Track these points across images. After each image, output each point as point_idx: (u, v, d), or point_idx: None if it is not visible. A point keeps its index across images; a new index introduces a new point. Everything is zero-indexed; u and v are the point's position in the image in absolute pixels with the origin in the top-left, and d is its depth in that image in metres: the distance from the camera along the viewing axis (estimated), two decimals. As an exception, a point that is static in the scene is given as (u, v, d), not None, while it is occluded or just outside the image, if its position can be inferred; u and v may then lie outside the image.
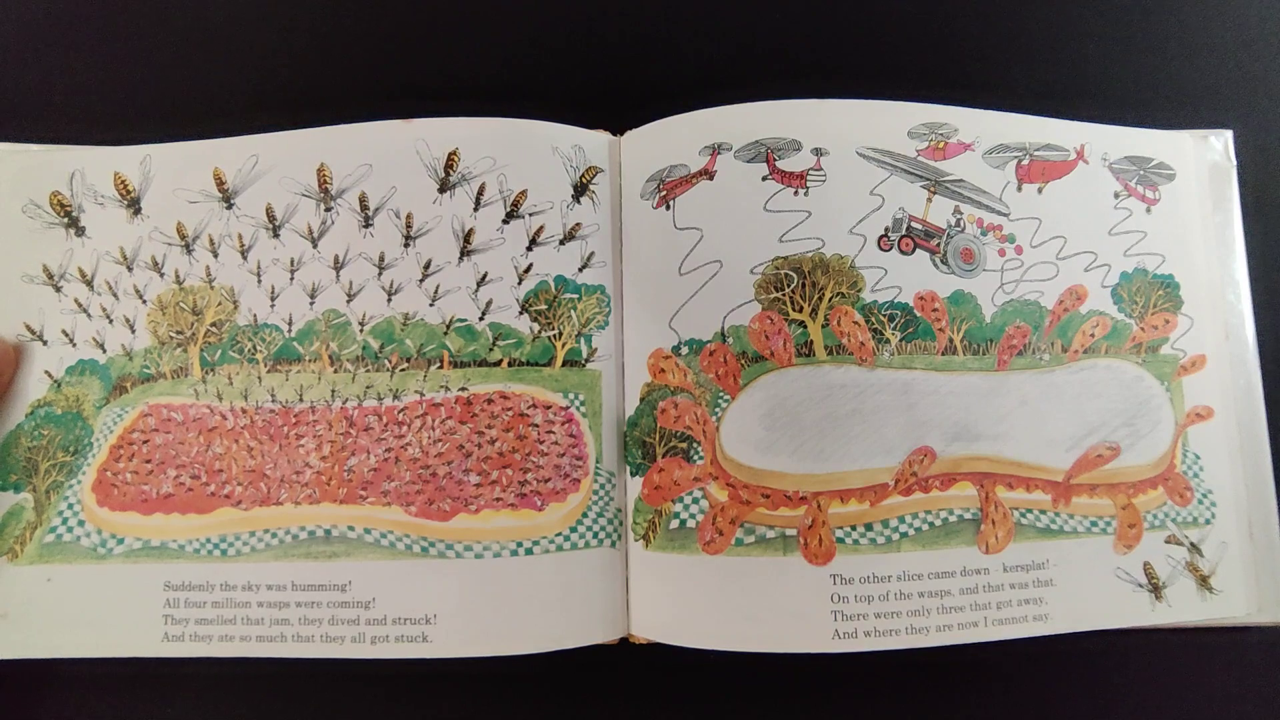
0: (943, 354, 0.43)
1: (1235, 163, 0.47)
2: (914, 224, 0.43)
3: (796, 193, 0.43)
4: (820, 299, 0.42)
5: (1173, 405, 0.44)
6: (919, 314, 0.43)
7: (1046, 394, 0.43)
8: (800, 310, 0.42)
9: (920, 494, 0.42)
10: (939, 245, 0.44)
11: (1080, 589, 0.42)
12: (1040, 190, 0.45)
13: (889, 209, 0.43)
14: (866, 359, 0.42)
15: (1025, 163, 0.45)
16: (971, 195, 0.44)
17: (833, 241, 0.43)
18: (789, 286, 0.42)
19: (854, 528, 0.41)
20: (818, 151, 0.43)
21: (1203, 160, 0.47)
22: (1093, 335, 0.44)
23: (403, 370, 0.42)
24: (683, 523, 0.41)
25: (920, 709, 0.43)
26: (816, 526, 0.41)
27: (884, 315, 0.42)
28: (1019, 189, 0.45)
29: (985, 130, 0.45)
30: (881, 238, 0.43)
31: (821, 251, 0.42)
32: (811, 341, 0.42)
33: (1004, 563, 0.42)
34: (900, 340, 0.42)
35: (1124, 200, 0.46)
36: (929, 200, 0.44)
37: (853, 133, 0.43)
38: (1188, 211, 0.46)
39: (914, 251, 0.43)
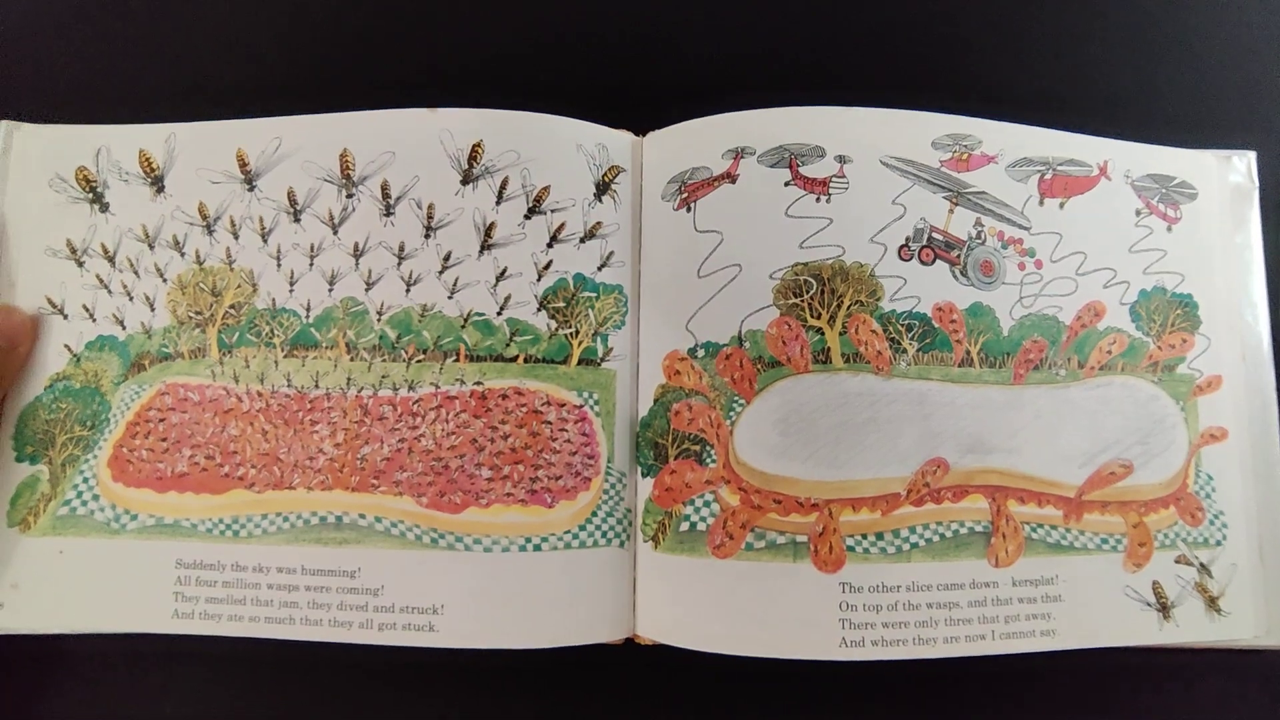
0: (959, 365, 0.43)
1: (1258, 184, 0.47)
2: (935, 235, 0.43)
3: (819, 199, 0.42)
4: (839, 307, 0.42)
5: (1187, 425, 0.44)
6: (937, 325, 0.43)
7: (1061, 409, 0.43)
8: (818, 317, 0.42)
9: (932, 505, 0.41)
10: (959, 257, 0.43)
11: (1089, 606, 0.42)
12: (1062, 205, 0.45)
13: (910, 219, 0.43)
14: (883, 368, 0.42)
15: (1048, 177, 0.45)
16: (993, 208, 0.44)
17: (853, 249, 0.42)
18: (808, 293, 0.42)
19: (865, 536, 0.41)
20: (841, 159, 0.43)
21: (1225, 181, 0.47)
22: (1110, 352, 0.44)
23: (419, 361, 0.42)
24: (693, 525, 0.41)
25: (924, 708, 0.44)
26: (827, 534, 0.41)
27: (902, 325, 0.42)
28: (1041, 203, 0.45)
29: (1009, 143, 0.45)
30: (902, 247, 0.43)
31: (841, 259, 0.42)
32: (829, 349, 0.42)
33: (1013, 577, 0.41)
34: (917, 350, 0.42)
35: (1145, 218, 0.45)
36: (950, 211, 0.44)
37: (877, 141, 0.43)
38: (1208, 231, 0.46)
39: (934, 262, 0.43)
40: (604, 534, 0.41)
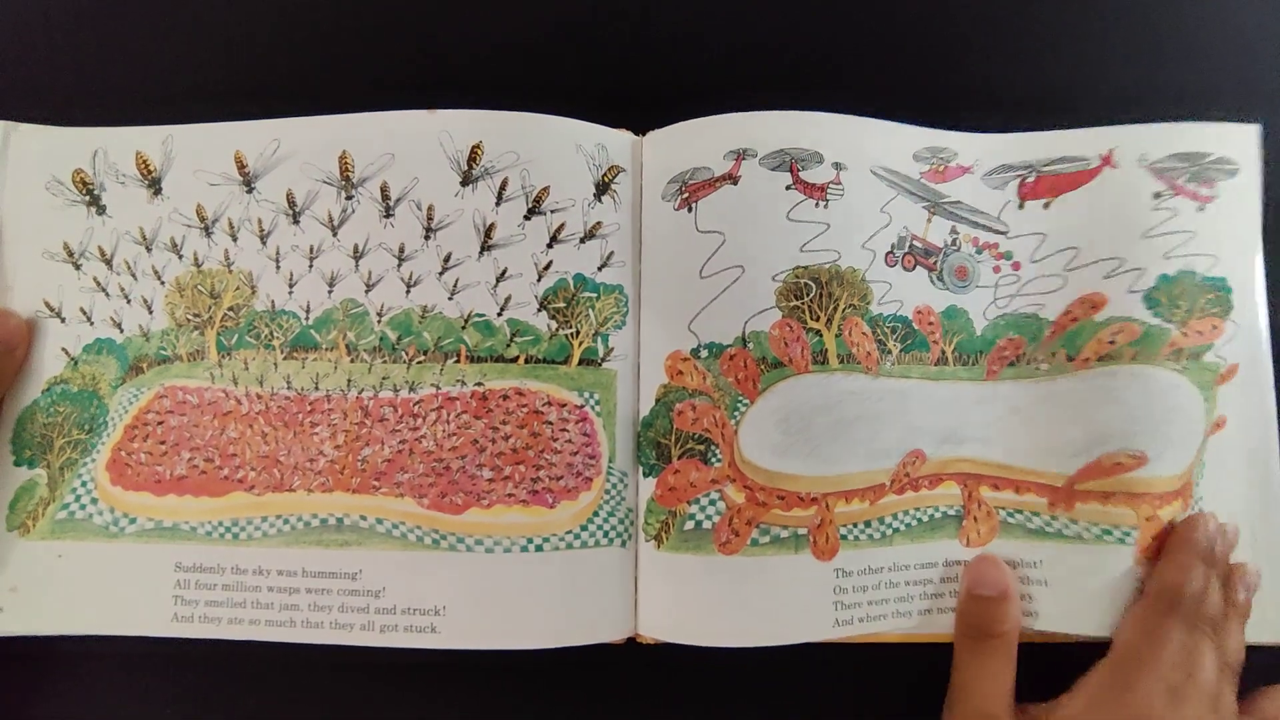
0: (935, 364, 0.44)
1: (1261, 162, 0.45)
2: (915, 242, 0.44)
3: (817, 204, 0.43)
4: (835, 309, 0.43)
5: (1206, 415, 0.44)
6: (916, 327, 0.44)
7: (1043, 402, 0.44)
8: (818, 319, 0.43)
9: (911, 492, 0.43)
10: (936, 263, 0.45)
11: (1082, 593, 0.43)
12: (1047, 205, 0.45)
13: (895, 227, 0.44)
14: (872, 368, 0.43)
15: (1030, 180, 0.45)
16: (968, 216, 0.45)
17: (847, 254, 0.43)
18: (808, 296, 0.42)
19: (855, 525, 0.42)
20: (837, 165, 0.43)
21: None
22: (1112, 342, 0.44)
23: (419, 363, 0.42)
24: (698, 524, 0.41)
25: (916, 697, 0.44)
26: (824, 525, 0.42)
27: (888, 327, 0.43)
28: (1021, 206, 0.45)
29: (985, 153, 0.46)
30: (888, 254, 0.44)
31: (838, 264, 0.43)
32: (826, 350, 0.43)
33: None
34: (900, 351, 0.43)
35: (1167, 200, 0.44)
36: (929, 220, 0.45)
37: (868, 150, 0.44)
38: (1250, 209, 0.45)
39: (915, 268, 0.44)
40: (605, 534, 0.41)
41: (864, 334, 0.43)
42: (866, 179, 0.44)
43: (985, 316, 0.45)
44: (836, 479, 0.42)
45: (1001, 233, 0.45)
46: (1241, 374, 0.44)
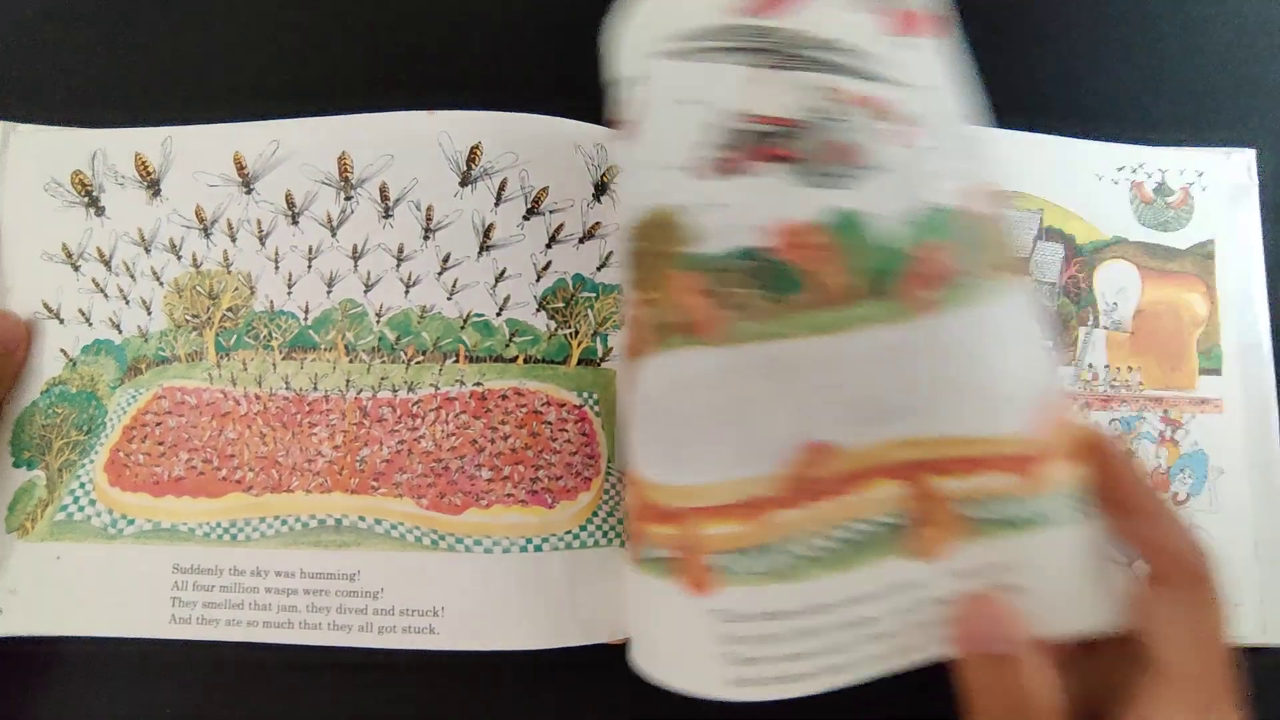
0: (827, 307, 0.29)
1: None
2: (752, 127, 0.30)
3: (632, 144, 0.34)
4: (656, 269, 0.32)
5: None
6: (784, 259, 0.29)
7: (995, 333, 0.30)
8: (644, 289, 0.32)
9: (826, 501, 0.30)
10: (799, 148, 0.30)
11: (1068, 588, 0.30)
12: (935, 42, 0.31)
13: (713, 119, 0.30)
14: (713, 335, 0.30)
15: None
16: (836, 59, 0.30)
17: (662, 190, 0.31)
18: (635, 264, 0.33)
19: (742, 552, 0.30)
20: (643, 85, 0.33)
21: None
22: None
23: (418, 363, 0.42)
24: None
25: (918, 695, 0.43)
26: (691, 550, 0.31)
27: (736, 270, 0.30)
28: (900, 41, 0.31)
29: None
30: (715, 162, 0.30)
31: (652, 209, 0.32)
32: (651, 325, 0.32)
33: (954, 569, 0.30)
34: (766, 299, 0.30)
35: None
36: (773, 85, 0.30)
37: (645, 28, 0.33)
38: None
39: (758, 170, 0.30)
40: (604, 534, 0.41)
41: (691, 291, 0.30)
42: (659, 76, 0.32)
43: (905, 219, 0.29)
44: (697, 490, 0.31)
45: (893, 81, 0.30)
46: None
